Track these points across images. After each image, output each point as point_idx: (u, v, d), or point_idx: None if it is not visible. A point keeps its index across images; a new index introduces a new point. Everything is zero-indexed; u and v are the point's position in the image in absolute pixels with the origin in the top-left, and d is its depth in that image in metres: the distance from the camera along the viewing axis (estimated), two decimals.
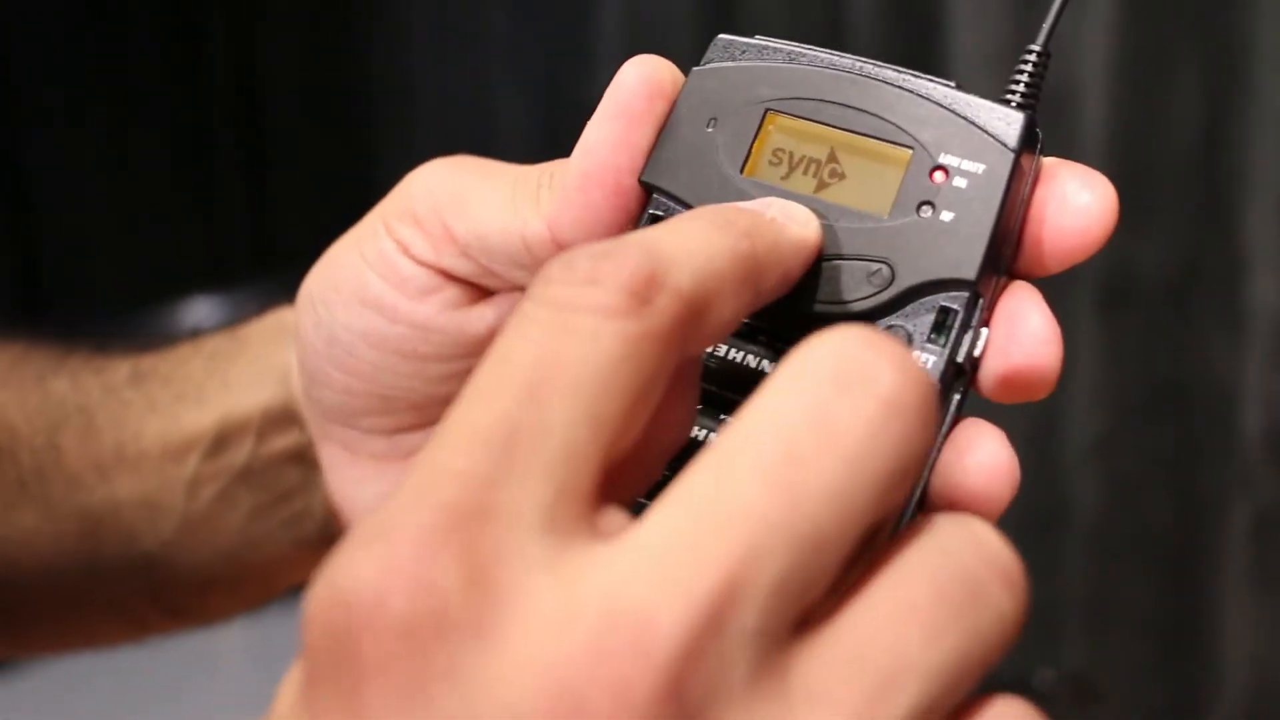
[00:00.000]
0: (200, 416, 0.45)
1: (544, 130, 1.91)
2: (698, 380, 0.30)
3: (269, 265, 2.64)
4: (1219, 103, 1.11)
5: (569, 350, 0.24)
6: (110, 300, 2.34)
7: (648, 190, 0.35)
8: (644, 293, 0.25)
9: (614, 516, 0.24)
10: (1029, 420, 1.23)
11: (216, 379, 0.46)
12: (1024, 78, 0.34)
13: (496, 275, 0.38)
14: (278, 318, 0.45)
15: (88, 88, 2.38)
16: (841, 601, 0.23)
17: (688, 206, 0.34)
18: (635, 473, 0.26)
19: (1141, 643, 1.23)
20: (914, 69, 0.35)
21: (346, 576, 0.22)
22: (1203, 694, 1.21)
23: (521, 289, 0.38)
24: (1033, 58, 0.34)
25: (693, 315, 0.26)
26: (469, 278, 0.39)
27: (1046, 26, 0.34)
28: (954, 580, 0.24)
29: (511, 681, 0.21)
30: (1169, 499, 1.19)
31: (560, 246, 0.36)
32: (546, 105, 1.87)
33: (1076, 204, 0.33)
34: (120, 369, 0.47)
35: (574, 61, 1.83)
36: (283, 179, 2.53)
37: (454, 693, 0.21)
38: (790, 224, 0.31)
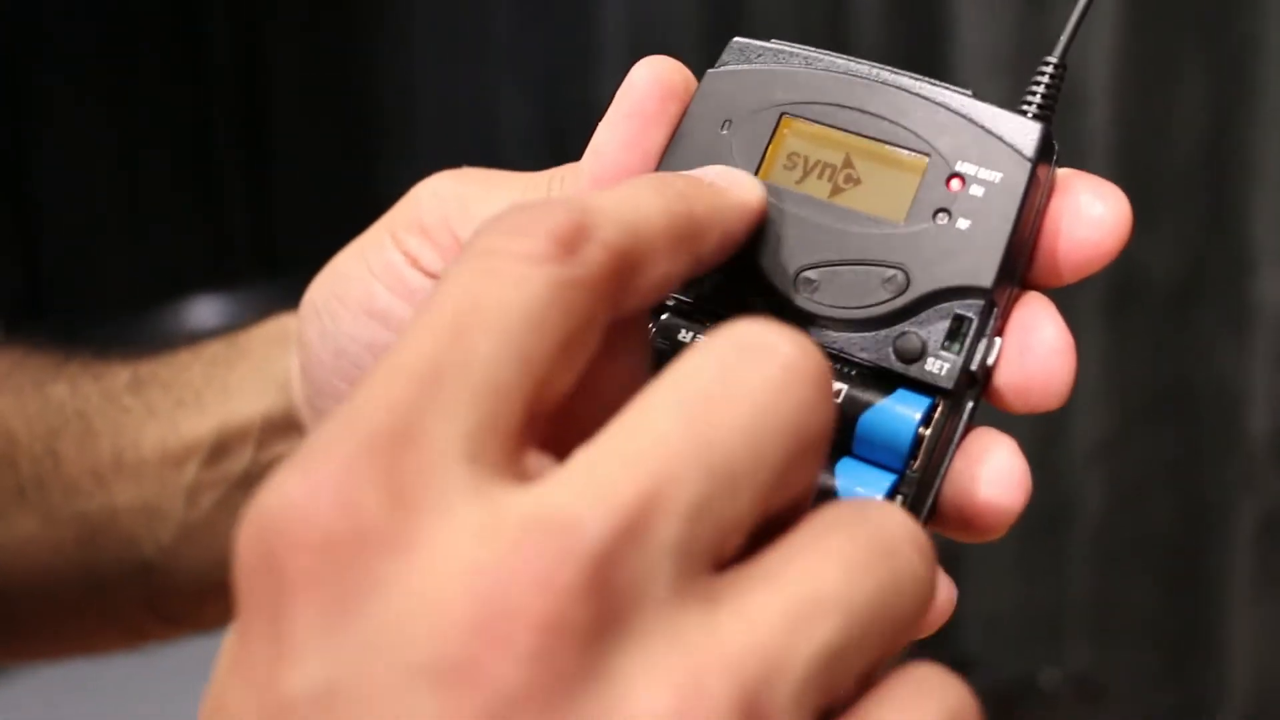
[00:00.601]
0: (200, 423, 0.45)
1: (546, 132, 1.91)
2: (646, 343, 0.30)
3: (271, 267, 2.64)
4: (1225, 105, 1.10)
5: (494, 293, 0.25)
6: (112, 301, 2.34)
7: None
8: (570, 241, 0.25)
9: (543, 461, 0.24)
10: (1034, 421, 1.23)
11: (216, 385, 0.46)
12: (1040, 89, 0.34)
13: None
14: (278, 324, 0.45)
15: (91, 89, 2.38)
16: (764, 549, 0.24)
17: None
18: (580, 431, 0.25)
19: (1146, 644, 1.23)
20: (919, 73, 0.34)
21: (273, 498, 0.22)
22: (1208, 695, 1.21)
23: None
24: (1049, 69, 0.34)
25: (623, 268, 0.26)
26: None
27: (1064, 39, 0.34)
28: (870, 536, 0.24)
29: (434, 590, 0.22)
30: (1174, 500, 1.19)
31: None
32: (549, 107, 1.87)
33: (1090, 215, 0.33)
34: (120, 375, 0.47)
35: (576, 64, 1.82)
36: (285, 181, 2.53)
37: (375, 606, 0.22)
38: (732, 188, 0.31)
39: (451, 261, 0.26)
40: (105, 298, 2.34)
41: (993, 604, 1.30)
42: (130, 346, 0.49)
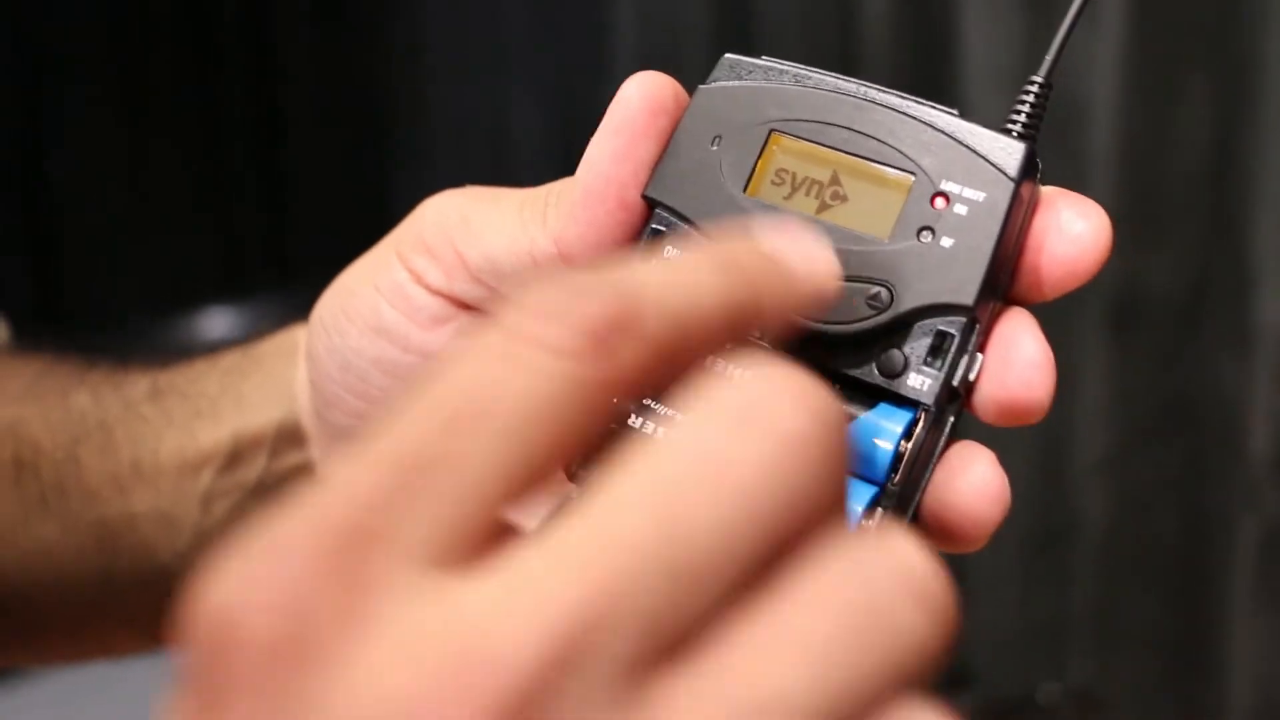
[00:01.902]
0: (215, 432, 0.46)
1: (560, 145, 1.91)
2: None
3: (284, 276, 2.65)
4: (1227, 120, 1.11)
5: (507, 383, 0.22)
6: (128, 311, 2.34)
7: (650, 205, 0.36)
8: (608, 338, 0.23)
9: (507, 546, 0.23)
10: (1038, 437, 1.23)
11: (231, 395, 0.46)
12: (1025, 108, 0.35)
13: None
14: (290, 336, 0.46)
15: (108, 102, 2.39)
16: (726, 627, 0.22)
17: (690, 223, 0.35)
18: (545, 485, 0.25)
19: (1148, 658, 1.23)
20: (926, 89, 0.35)
21: (231, 586, 0.21)
22: (1209, 710, 1.21)
23: None
24: (1034, 89, 0.35)
25: (658, 362, 0.24)
26: (480, 305, 0.39)
27: (1049, 58, 0.35)
28: (854, 603, 0.22)
29: (347, 715, 0.21)
30: (1176, 515, 1.20)
31: (568, 262, 0.36)
32: (563, 120, 1.88)
33: (1071, 232, 0.33)
34: (139, 384, 0.48)
35: (589, 74, 1.83)
36: (299, 190, 2.54)
37: None
38: (811, 276, 0.28)
39: (471, 330, 0.24)
40: (120, 307, 2.35)
41: (994, 618, 1.31)
42: (148, 356, 0.50)
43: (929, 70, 1.27)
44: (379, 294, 0.40)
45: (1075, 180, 1.12)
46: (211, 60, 2.43)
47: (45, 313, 2.40)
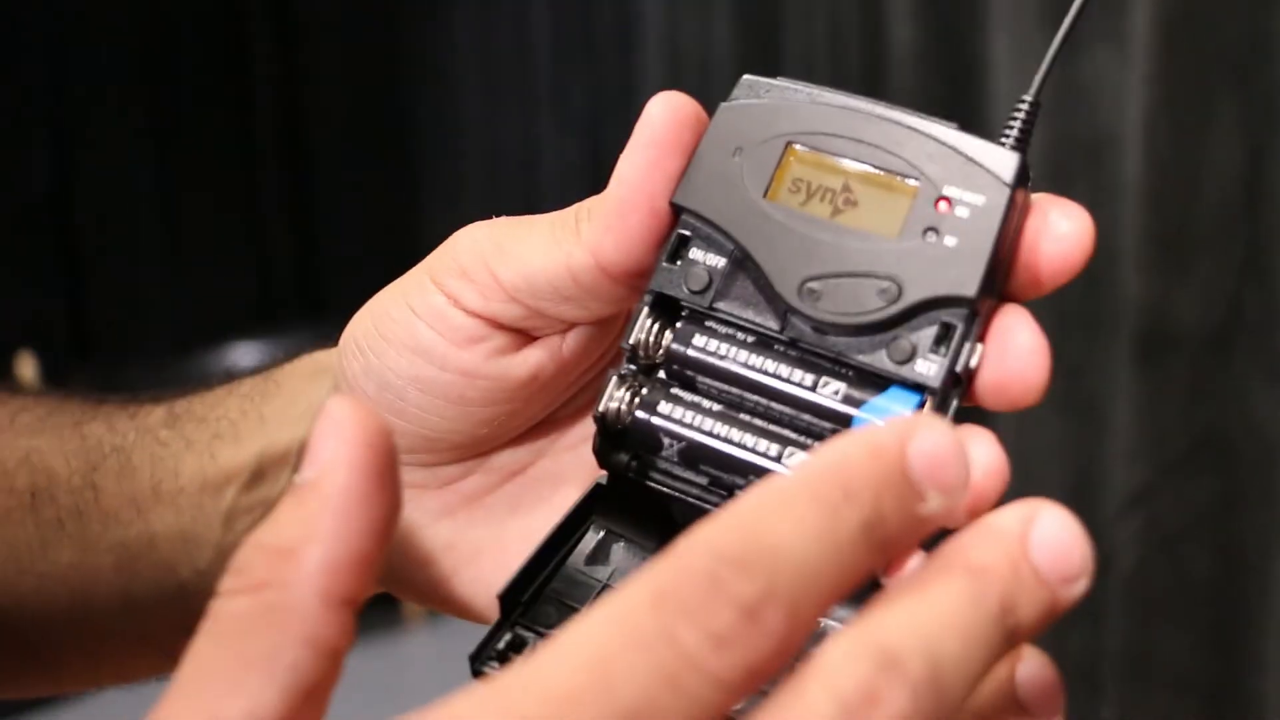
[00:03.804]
0: (238, 453, 0.47)
1: (589, 177, 1.92)
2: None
3: (315, 311, 2.66)
4: (1257, 152, 1.10)
5: (670, 711, 0.24)
6: (159, 346, 2.36)
7: (677, 212, 0.38)
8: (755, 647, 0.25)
9: None
10: (1069, 471, 1.22)
11: (252, 417, 0.47)
12: (1018, 122, 0.38)
13: (542, 316, 0.41)
14: (312, 360, 0.47)
15: (138, 139, 2.41)
16: None
17: (714, 226, 0.38)
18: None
19: (1180, 697, 1.22)
20: (953, 113, 0.38)
21: None
22: None
23: (566, 325, 0.41)
24: (1025, 105, 0.38)
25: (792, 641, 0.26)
26: (515, 324, 0.41)
27: (1038, 79, 0.38)
28: None
29: None
30: (1210, 550, 1.18)
31: (604, 270, 0.39)
32: (591, 152, 1.89)
33: (1058, 232, 0.36)
34: (155, 412, 0.49)
35: (617, 103, 1.84)
36: (329, 223, 2.55)
37: None
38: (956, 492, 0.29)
39: (629, 620, 0.25)
40: (150, 342, 2.36)
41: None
42: (167, 388, 0.51)
43: (956, 94, 1.27)
44: (415, 316, 0.42)
45: (1104, 210, 1.11)
46: (243, 95, 2.45)
47: (76, 349, 2.41)
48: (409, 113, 2.49)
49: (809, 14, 1.47)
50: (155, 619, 0.48)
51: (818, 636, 0.37)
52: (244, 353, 2.11)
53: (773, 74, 0.39)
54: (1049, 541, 0.29)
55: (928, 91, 1.30)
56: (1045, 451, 1.21)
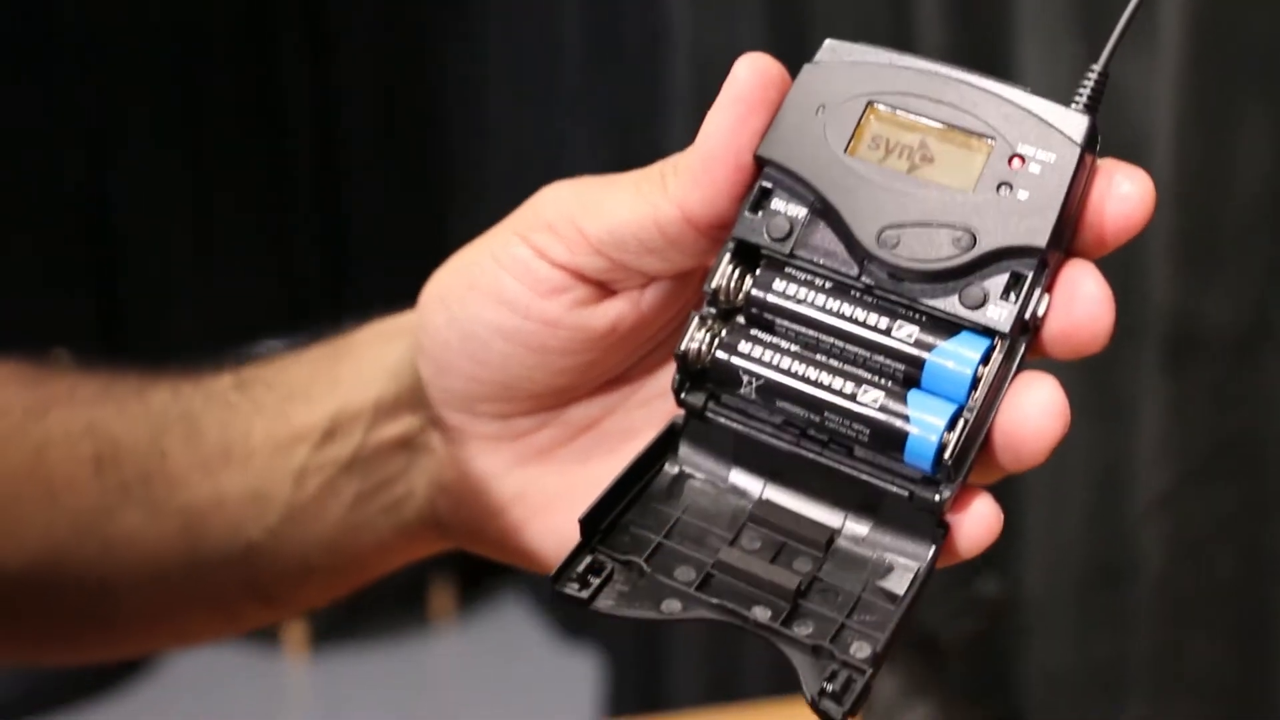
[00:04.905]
0: (310, 413, 0.48)
1: None
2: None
3: (344, 313, 2.66)
4: None
5: None
6: (189, 349, 2.36)
7: (760, 165, 0.40)
8: None
9: None
10: (1095, 474, 1.22)
11: (324, 379, 0.49)
12: (1089, 88, 0.40)
13: (624, 269, 0.43)
14: (382, 323, 0.49)
15: (170, 144, 2.43)
16: None
17: (796, 177, 0.39)
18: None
19: (1206, 702, 1.22)
20: None
21: None
22: None
23: (646, 279, 0.43)
24: (1094, 76, 0.40)
25: None
26: (597, 276, 0.43)
27: (1106, 52, 0.40)
28: None
29: None
30: (1236, 554, 1.18)
31: (690, 221, 0.41)
32: (620, 152, 1.89)
33: (1121, 192, 0.38)
34: (222, 379, 0.51)
35: (645, 112, 1.84)
36: (358, 230, 2.56)
37: None
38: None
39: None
40: (181, 345, 2.37)
41: (1051, 659, 1.29)
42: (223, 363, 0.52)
43: None
44: (500, 267, 0.43)
45: None
46: (272, 100, 2.47)
47: (107, 350, 2.43)
48: (437, 118, 2.50)
49: (837, 18, 1.47)
50: (221, 580, 0.50)
51: (833, 554, 0.39)
52: (274, 349, 2.12)
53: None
54: None
55: None
56: (1072, 454, 1.21)
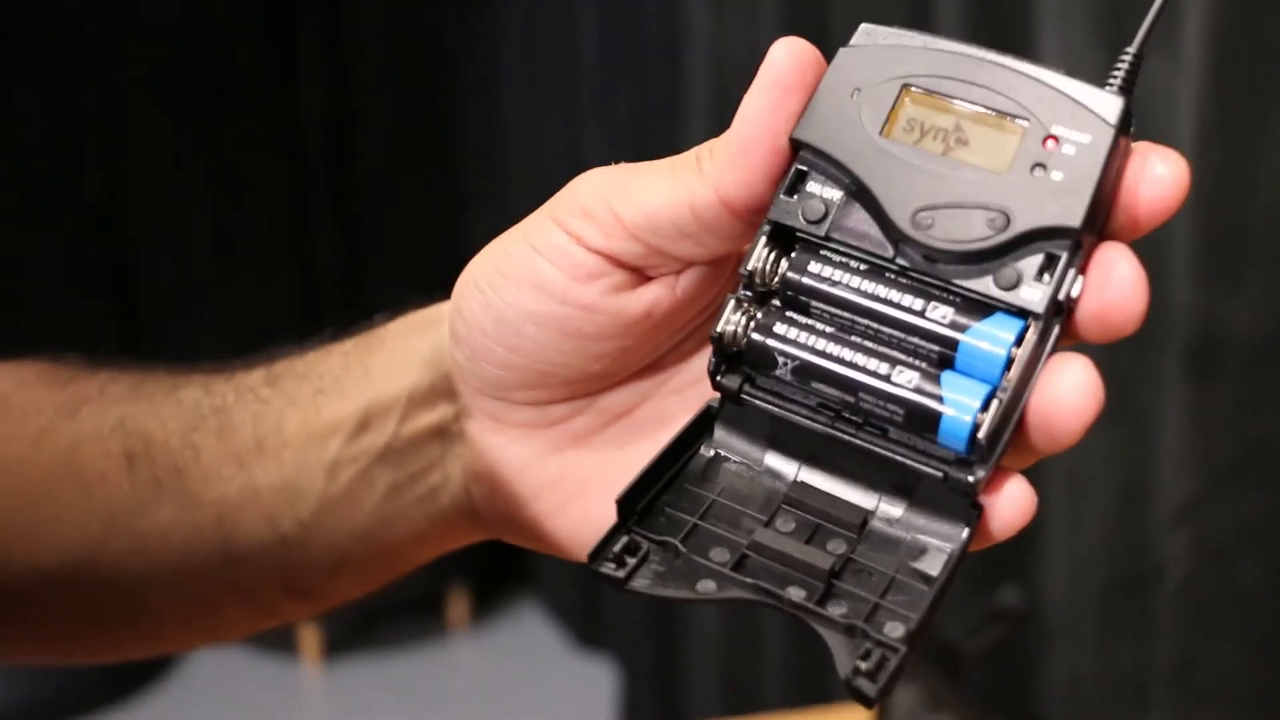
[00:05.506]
0: (342, 405, 0.48)
1: None
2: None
3: (361, 319, 2.66)
4: None
5: None
6: (203, 351, 2.37)
7: (795, 148, 0.40)
8: None
9: None
10: (1118, 482, 1.22)
11: (356, 372, 0.49)
12: (1123, 70, 0.39)
13: (660, 254, 0.43)
14: (414, 316, 0.49)
15: (189, 151, 2.43)
16: None
17: (832, 160, 0.40)
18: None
19: (1231, 710, 1.21)
20: None
21: None
22: None
23: (682, 264, 0.43)
24: (1129, 58, 0.40)
25: None
26: (633, 261, 0.43)
27: (1141, 34, 0.40)
28: None
29: None
30: (1260, 562, 1.17)
31: (726, 205, 0.41)
32: (638, 155, 1.89)
33: (1154, 174, 0.38)
34: (253, 374, 0.51)
35: (663, 115, 1.84)
36: (375, 235, 2.56)
37: None
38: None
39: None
40: (198, 352, 2.37)
41: (1075, 667, 1.29)
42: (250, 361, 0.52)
43: None
44: (536, 253, 0.43)
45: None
46: (290, 107, 2.47)
47: (126, 354, 2.43)
48: (455, 123, 2.50)
49: (856, 20, 1.46)
50: (255, 573, 0.50)
51: (867, 535, 0.39)
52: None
53: None
54: None
55: None
56: (1095, 462, 1.20)
